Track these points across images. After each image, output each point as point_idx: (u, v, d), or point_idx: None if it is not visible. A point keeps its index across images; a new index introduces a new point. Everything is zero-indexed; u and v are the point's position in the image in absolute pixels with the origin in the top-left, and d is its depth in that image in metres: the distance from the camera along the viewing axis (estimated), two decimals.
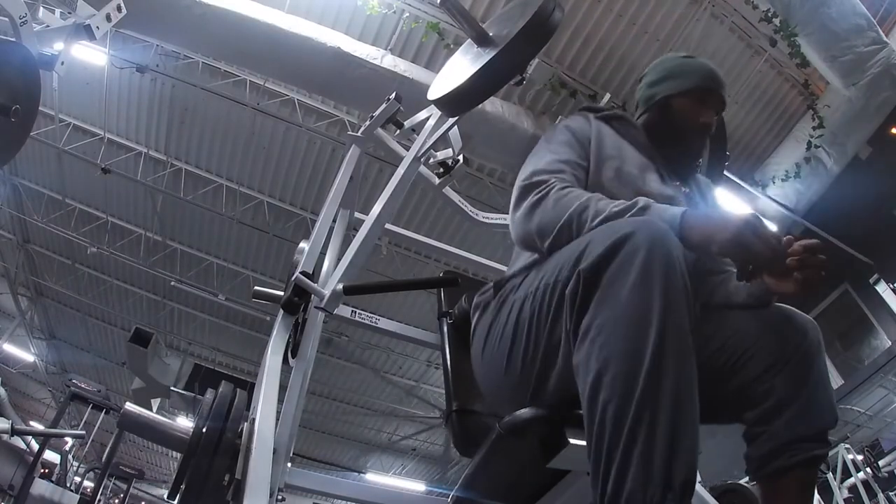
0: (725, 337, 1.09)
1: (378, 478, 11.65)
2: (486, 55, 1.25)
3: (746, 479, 2.76)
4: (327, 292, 1.44)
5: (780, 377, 1.02)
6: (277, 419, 1.29)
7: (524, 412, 0.96)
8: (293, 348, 1.59)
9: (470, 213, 2.16)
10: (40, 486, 6.71)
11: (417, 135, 1.69)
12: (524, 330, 1.00)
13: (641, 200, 0.95)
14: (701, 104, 1.26)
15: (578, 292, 0.83)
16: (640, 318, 0.76)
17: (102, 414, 7.92)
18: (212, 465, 1.14)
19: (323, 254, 1.78)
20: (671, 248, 0.80)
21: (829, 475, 4.80)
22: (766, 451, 1.01)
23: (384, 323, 1.90)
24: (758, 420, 1.04)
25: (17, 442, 8.27)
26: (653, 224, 0.82)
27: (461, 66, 1.38)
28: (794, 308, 1.10)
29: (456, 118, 1.56)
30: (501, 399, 1.09)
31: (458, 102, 1.36)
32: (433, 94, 1.44)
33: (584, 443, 0.79)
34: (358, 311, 1.86)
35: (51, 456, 8.81)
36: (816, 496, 4.71)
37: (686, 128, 1.26)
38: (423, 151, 1.60)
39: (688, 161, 1.30)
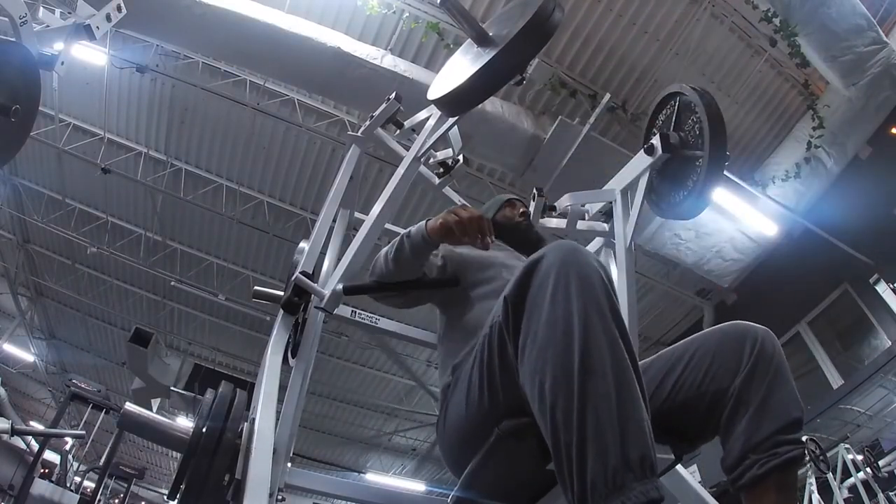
0: (686, 362, 1.15)
1: (378, 478, 11.64)
2: (486, 55, 1.25)
3: None
4: (327, 292, 1.44)
5: (740, 380, 1.07)
6: (277, 419, 1.29)
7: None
8: (293, 348, 1.59)
9: None
10: (40, 486, 6.68)
11: (417, 135, 1.69)
12: (483, 374, 1.04)
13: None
14: (511, 208, 1.86)
15: (510, 317, 0.91)
16: (564, 322, 0.81)
17: (102, 414, 7.90)
18: (212, 465, 1.14)
19: (323, 254, 1.78)
20: (582, 254, 0.88)
21: (829, 475, 4.78)
22: (739, 452, 1.03)
23: (384, 323, 1.89)
24: (728, 422, 1.08)
25: (17, 442, 8.28)
26: (562, 243, 0.91)
27: (461, 66, 1.37)
28: (749, 322, 1.17)
29: (456, 118, 1.56)
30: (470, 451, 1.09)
31: (458, 102, 1.35)
32: (433, 94, 1.43)
33: None
34: (358, 311, 1.85)
35: (51, 456, 8.78)
36: (816, 496, 4.70)
37: (512, 222, 1.80)
38: (423, 151, 1.59)
39: (528, 244, 1.74)
